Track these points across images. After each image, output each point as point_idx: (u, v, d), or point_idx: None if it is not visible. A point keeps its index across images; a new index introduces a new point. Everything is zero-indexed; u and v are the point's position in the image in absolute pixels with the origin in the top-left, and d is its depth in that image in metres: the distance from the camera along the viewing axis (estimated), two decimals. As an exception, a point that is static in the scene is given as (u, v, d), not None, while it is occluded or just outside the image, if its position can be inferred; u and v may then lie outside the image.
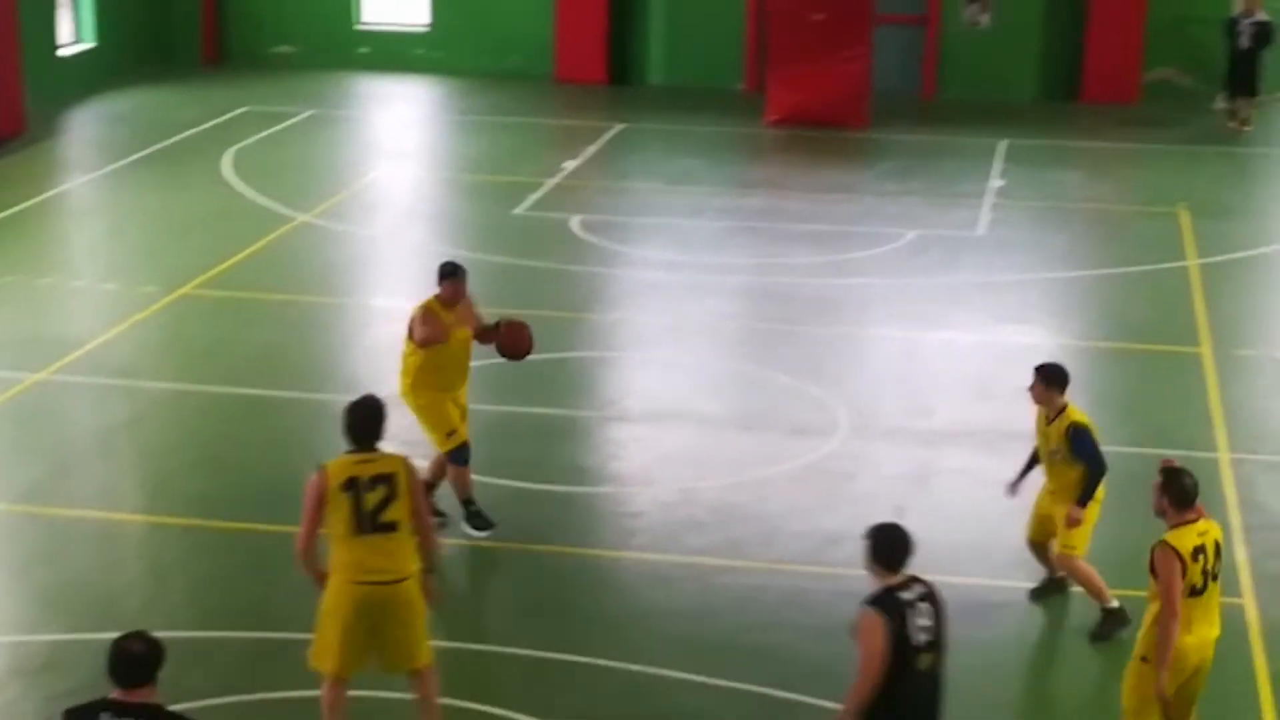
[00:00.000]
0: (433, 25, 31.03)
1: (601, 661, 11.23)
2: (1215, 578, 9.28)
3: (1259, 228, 22.04)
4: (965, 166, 24.87)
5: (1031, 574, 12.53)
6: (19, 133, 25.24)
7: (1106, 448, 11.53)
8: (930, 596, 8.40)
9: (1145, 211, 22.65)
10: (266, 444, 14.97)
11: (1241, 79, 27.64)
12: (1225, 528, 13.28)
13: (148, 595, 12.11)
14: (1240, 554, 12.77)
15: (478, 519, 12.82)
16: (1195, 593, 9.08)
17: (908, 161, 25.10)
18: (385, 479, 9.36)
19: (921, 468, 14.56)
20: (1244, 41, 27.55)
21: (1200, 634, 9.30)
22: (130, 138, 25.57)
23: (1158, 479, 9.40)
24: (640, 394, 16.27)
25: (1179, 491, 9.23)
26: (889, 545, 8.39)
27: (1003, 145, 25.93)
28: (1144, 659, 9.26)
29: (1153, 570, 9.16)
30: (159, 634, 6.90)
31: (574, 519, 13.05)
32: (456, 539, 12.58)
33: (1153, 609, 9.27)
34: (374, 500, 9.12)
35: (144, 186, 23.22)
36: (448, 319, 12.80)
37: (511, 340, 13.36)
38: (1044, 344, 17.51)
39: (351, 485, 9.15)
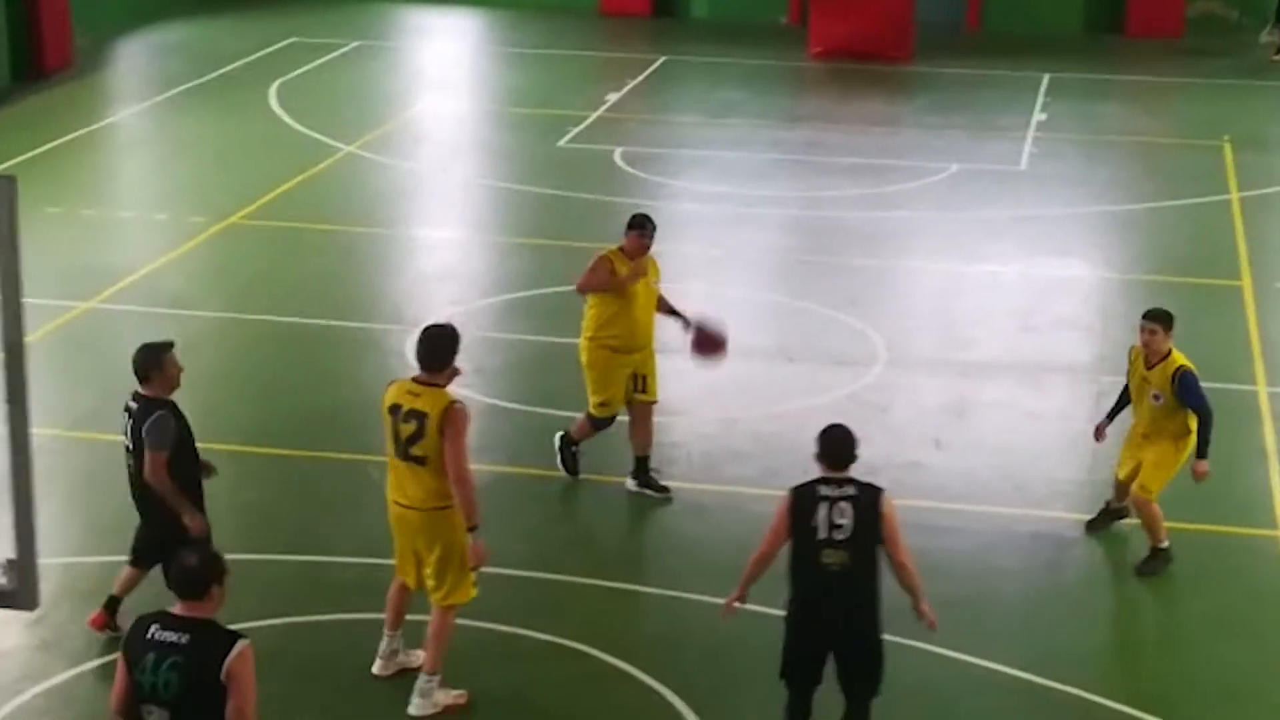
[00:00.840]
0: (477, -43, 31.05)
1: (640, 588, 11.46)
2: None
3: (1303, 162, 22.00)
4: (1008, 100, 24.97)
5: (1069, 505, 12.73)
6: (67, 65, 25.46)
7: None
8: (856, 499, 8.66)
9: (1189, 144, 22.68)
10: (313, 372, 15.16)
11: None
12: (1264, 458, 13.39)
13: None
14: (1278, 487, 12.87)
15: (572, 462, 12.80)
16: None
17: (950, 95, 25.20)
18: (418, 415, 9.44)
19: (960, 399, 14.66)
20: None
21: None
22: (177, 69, 25.84)
23: None
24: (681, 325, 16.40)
25: None
26: (829, 445, 8.94)
27: (1045, 79, 25.97)
28: None
29: None
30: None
31: (615, 448, 13.19)
32: (501, 465, 12.75)
33: None
34: (406, 432, 9.29)
35: (191, 117, 23.47)
36: (623, 270, 12.46)
37: (706, 347, 12.89)
38: (1086, 277, 17.73)
39: (395, 411, 9.35)
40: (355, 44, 27.54)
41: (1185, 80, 26.12)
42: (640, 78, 25.92)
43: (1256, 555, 12.06)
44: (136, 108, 23.89)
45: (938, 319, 16.57)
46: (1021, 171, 21.40)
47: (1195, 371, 11.17)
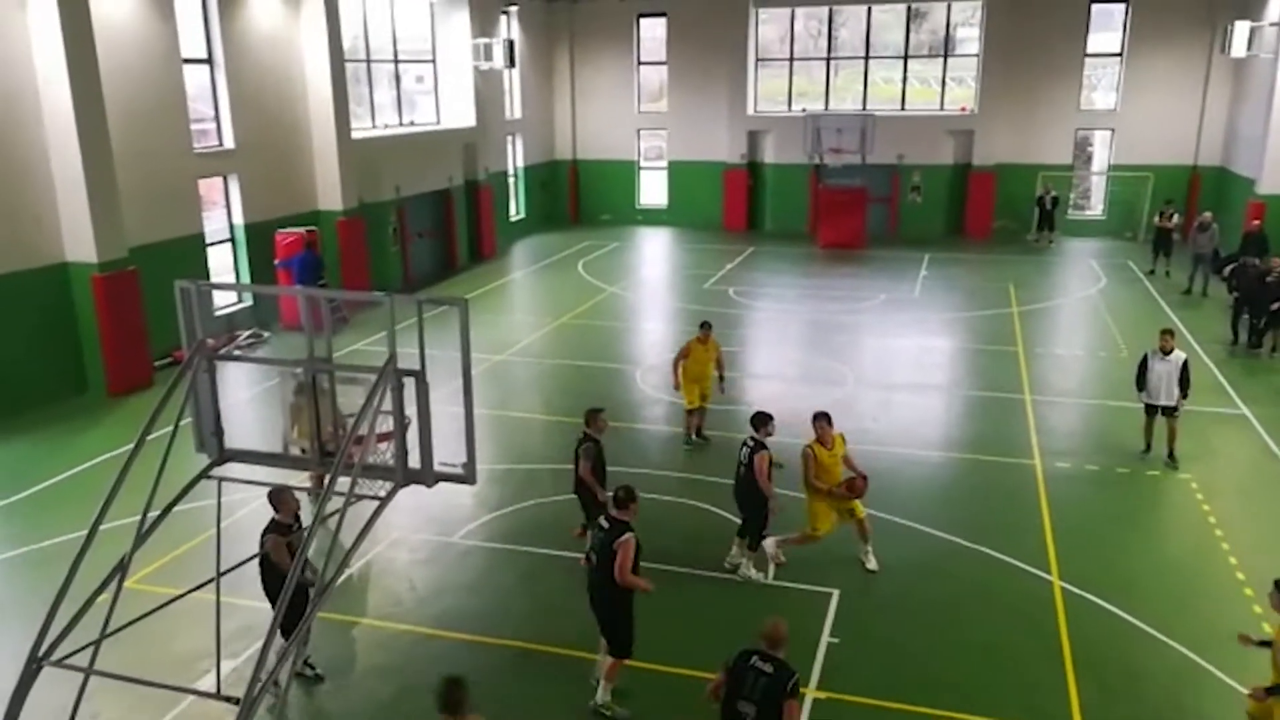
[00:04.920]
0: (669, 203, 31.11)
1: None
2: None
3: (1057, 295, 21.31)
4: (910, 265, 24.41)
5: (933, 445, 12.27)
6: (493, 254, 26.25)
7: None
8: (750, 445, 8.60)
9: (993, 285, 21.89)
10: (591, 382, 15.10)
11: (1044, 218, 26.49)
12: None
13: (555, 457, 12.35)
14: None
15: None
16: None
17: (883, 263, 24.71)
18: None
19: (886, 399, 14.45)
20: (1046, 203, 26.52)
21: None
22: (539, 256, 26.29)
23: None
24: (754, 364, 16.26)
25: None
26: (759, 418, 8.63)
27: (926, 256, 25.41)
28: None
29: None
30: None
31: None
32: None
33: None
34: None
35: (545, 276, 23.88)
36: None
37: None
38: (947, 347, 17.32)
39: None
40: (614, 245, 27.86)
41: (992, 257, 25.36)
42: (741, 256, 25.83)
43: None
44: (521, 272, 24.45)
45: (876, 363, 16.37)
46: (916, 298, 20.99)
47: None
